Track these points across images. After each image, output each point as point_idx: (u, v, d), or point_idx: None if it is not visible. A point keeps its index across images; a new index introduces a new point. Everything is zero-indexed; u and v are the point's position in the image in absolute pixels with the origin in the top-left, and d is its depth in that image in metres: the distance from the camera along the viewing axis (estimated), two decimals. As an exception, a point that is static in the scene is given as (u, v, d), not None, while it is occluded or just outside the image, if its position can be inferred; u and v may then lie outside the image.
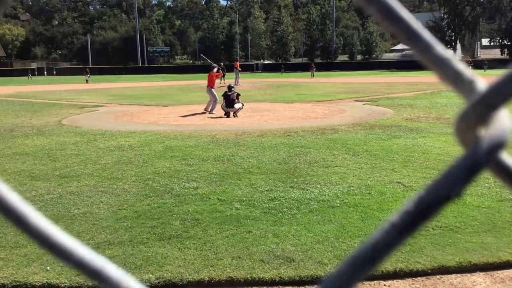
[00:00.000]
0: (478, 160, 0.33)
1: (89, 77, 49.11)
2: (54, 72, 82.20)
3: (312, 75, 50.84)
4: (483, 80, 0.35)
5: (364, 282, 3.92)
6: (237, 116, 15.25)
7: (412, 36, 0.33)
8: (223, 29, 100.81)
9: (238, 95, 15.85)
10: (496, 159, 0.34)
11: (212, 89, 17.07)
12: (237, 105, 15.51)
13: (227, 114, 15.38)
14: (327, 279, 0.34)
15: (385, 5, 0.32)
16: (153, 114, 16.86)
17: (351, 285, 0.33)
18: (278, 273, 4.04)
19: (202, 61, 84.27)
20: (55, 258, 0.34)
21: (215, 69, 18.06)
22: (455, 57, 0.34)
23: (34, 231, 0.34)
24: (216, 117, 15.39)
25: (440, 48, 0.34)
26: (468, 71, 0.34)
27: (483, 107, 0.33)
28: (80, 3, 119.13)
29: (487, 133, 0.33)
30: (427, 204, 0.33)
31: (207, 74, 18.09)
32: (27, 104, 21.89)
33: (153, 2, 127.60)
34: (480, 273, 4.05)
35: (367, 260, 0.33)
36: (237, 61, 41.73)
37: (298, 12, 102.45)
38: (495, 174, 0.36)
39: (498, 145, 0.33)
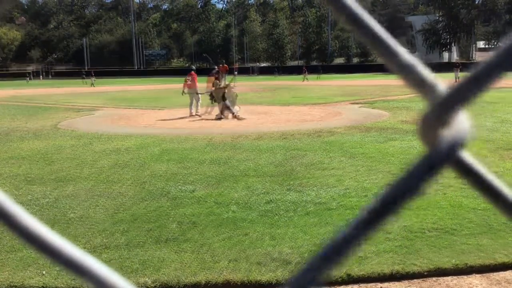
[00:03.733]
0: (438, 159, 0.35)
1: (85, 79, 48.82)
2: (50, 76, 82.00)
3: (306, 79, 47.18)
4: (444, 84, 0.36)
5: (360, 284, 3.92)
6: (236, 118, 15.19)
7: (377, 42, 0.35)
8: (219, 32, 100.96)
9: (236, 96, 15.88)
10: (457, 158, 0.36)
11: (211, 91, 17.05)
12: (236, 107, 15.54)
13: (225, 116, 15.34)
14: (293, 276, 0.35)
15: (351, 12, 0.33)
16: (149, 117, 16.85)
17: (316, 282, 0.34)
18: (275, 276, 4.04)
19: (199, 64, 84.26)
20: (44, 257, 0.35)
21: (214, 71, 18.12)
22: (418, 63, 0.36)
23: (23, 230, 0.34)
24: (213, 120, 15.38)
25: (404, 54, 0.36)
26: (431, 76, 0.36)
27: (443, 110, 0.35)
28: (76, 6, 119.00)
29: (446, 134, 0.35)
30: (389, 201, 0.35)
31: (202, 76, 18.11)
32: (23, 107, 21.83)
33: (150, 5, 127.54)
34: (476, 275, 4.06)
35: (334, 254, 0.34)
36: (236, 63, 41.63)
37: (294, 15, 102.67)
38: (457, 173, 0.37)
39: (457, 144, 0.35)
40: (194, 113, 16.85)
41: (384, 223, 0.35)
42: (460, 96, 0.35)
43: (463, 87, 0.34)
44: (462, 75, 0.37)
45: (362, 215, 0.35)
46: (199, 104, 16.93)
